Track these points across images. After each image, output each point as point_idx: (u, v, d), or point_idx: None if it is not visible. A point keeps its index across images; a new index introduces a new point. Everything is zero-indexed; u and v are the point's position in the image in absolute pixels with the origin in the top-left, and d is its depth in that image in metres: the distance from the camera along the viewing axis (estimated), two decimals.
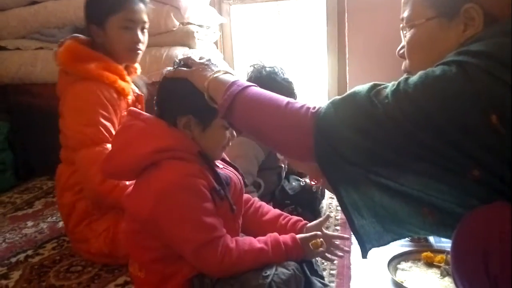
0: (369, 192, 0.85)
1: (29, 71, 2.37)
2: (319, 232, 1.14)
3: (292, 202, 1.67)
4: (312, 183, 1.71)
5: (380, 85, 0.82)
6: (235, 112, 0.95)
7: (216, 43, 2.80)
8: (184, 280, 1.09)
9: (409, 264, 1.34)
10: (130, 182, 1.30)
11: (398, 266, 1.33)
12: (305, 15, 2.92)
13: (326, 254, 1.16)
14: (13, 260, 1.57)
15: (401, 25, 0.94)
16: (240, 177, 1.23)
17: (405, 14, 0.92)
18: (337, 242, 1.20)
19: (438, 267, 1.30)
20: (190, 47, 2.34)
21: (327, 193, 1.92)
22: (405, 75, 0.84)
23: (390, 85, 0.81)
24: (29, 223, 1.89)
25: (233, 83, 0.97)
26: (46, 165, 1.97)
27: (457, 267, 0.76)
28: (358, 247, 0.92)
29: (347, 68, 2.73)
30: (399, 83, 0.79)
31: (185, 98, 1.09)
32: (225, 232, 1.08)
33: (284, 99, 0.92)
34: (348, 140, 0.81)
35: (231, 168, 1.24)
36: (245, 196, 1.28)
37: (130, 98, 1.56)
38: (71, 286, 1.39)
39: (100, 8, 1.52)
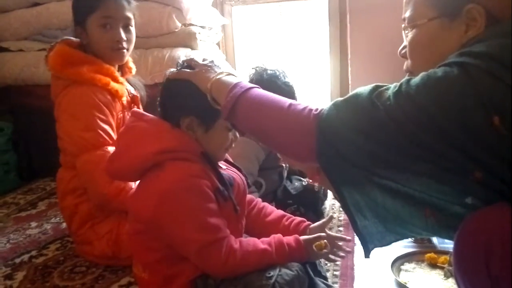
0: (371, 193, 0.85)
1: (32, 72, 2.38)
2: (323, 234, 1.14)
3: (294, 202, 1.67)
4: (310, 181, 1.73)
5: (382, 86, 0.82)
6: (238, 113, 0.95)
7: (218, 44, 2.80)
8: (188, 281, 1.09)
9: (412, 265, 1.34)
10: (135, 185, 1.31)
11: (402, 267, 1.33)
12: (307, 16, 2.92)
13: (329, 255, 1.17)
14: (17, 260, 1.58)
15: (403, 25, 0.94)
16: (243, 177, 1.24)
17: (407, 14, 0.92)
18: (340, 243, 1.20)
19: (442, 268, 1.30)
20: (192, 48, 2.34)
21: (330, 194, 1.92)
22: (407, 76, 0.84)
23: (392, 87, 0.81)
24: (33, 224, 1.90)
25: (236, 84, 0.97)
26: (49, 166, 1.97)
27: (459, 268, 0.76)
28: (361, 247, 0.93)
29: (349, 69, 2.73)
30: (401, 85, 0.79)
31: (188, 99, 1.10)
32: (229, 233, 1.08)
33: (286, 101, 0.92)
34: (350, 142, 0.82)
35: (234, 169, 1.24)
36: (248, 196, 1.29)
37: (125, 99, 1.54)
38: (75, 287, 1.40)
39: (80, 8, 1.51)
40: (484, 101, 0.71)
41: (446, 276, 1.26)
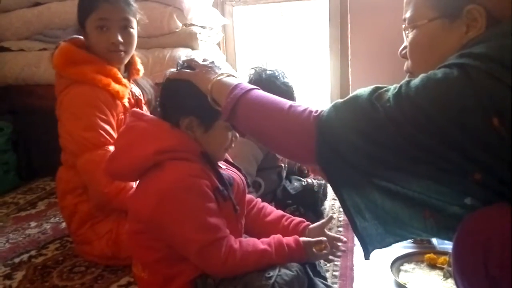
0: (371, 195, 0.86)
1: (32, 72, 2.38)
2: (324, 238, 1.13)
3: (294, 202, 1.67)
4: (309, 181, 1.73)
5: (381, 88, 0.83)
6: (238, 114, 0.95)
7: (218, 44, 2.80)
8: (187, 281, 1.09)
9: (412, 265, 1.34)
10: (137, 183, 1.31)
11: (401, 267, 1.33)
12: (308, 16, 2.92)
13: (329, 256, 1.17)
14: (17, 260, 1.58)
15: (403, 26, 0.94)
16: (243, 177, 1.24)
17: (407, 14, 0.92)
18: (340, 244, 1.20)
19: (441, 268, 1.30)
20: (193, 49, 2.34)
21: (330, 194, 1.92)
22: (407, 77, 0.84)
23: (392, 88, 0.81)
24: (32, 224, 1.90)
25: (236, 86, 0.97)
26: (49, 166, 1.97)
27: (458, 269, 0.76)
28: (361, 248, 0.93)
29: (350, 69, 2.73)
30: (400, 87, 0.79)
31: (187, 99, 1.10)
32: (229, 233, 1.08)
33: (286, 102, 0.93)
34: (350, 143, 0.82)
35: (233, 169, 1.24)
36: (248, 196, 1.29)
37: (127, 101, 1.54)
38: (74, 287, 1.39)
39: (80, 9, 1.51)
40: (484, 102, 0.71)
41: (446, 277, 1.26)
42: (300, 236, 1.14)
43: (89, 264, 1.51)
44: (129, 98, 1.57)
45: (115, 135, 1.46)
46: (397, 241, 0.93)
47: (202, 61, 1.11)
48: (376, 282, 1.31)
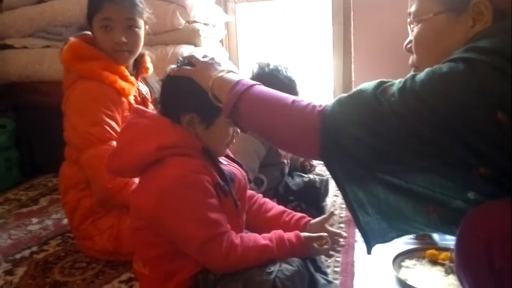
0: (374, 190, 0.85)
1: (36, 69, 2.39)
2: (325, 234, 1.13)
3: (295, 198, 1.66)
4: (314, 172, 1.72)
5: (386, 82, 0.82)
6: (240, 111, 0.95)
7: (221, 41, 2.80)
8: (188, 276, 1.09)
9: (413, 261, 1.34)
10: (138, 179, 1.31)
11: (402, 263, 1.33)
12: (311, 13, 2.92)
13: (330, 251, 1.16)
14: (18, 256, 1.58)
15: (408, 20, 0.94)
16: (244, 173, 1.23)
17: (412, 8, 0.91)
18: (340, 240, 1.19)
19: (443, 264, 1.29)
20: (196, 46, 2.34)
21: (331, 190, 1.92)
22: (412, 71, 0.83)
23: (397, 83, 0.80)
24: (34, 220, 1.91)
25: (238, 82, 0.97)
26: (51, 163, 1.98)
27: (461, 264, 0.76)
28: (363, 244, 0.92)
29: (353, 66, 2.73)
30: (405, 81, 0.79)
31: (188, 96, 1.09)
32: (230, 228, 1.08)
33: (289, 97, 0.92)
34: (354, 137, 0.81)
35: (235, 164, 1.24)
36: (249, 192, 1.28)
37: (132, 98, 1.54)
38: (76, 282, 1.39)
39: (88, 8, 1.52)
40: (489, 96, 0.71)
41: (447, 273, 1.26)
42: (301, 232, 1.13)
43: (90, 260, 1.51)
44: (135, 96, 1.57)
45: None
46: (400, 236, 0.92)
47: (202, 58, 1.10)
48: (377, 278, 1.30)
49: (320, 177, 1.75)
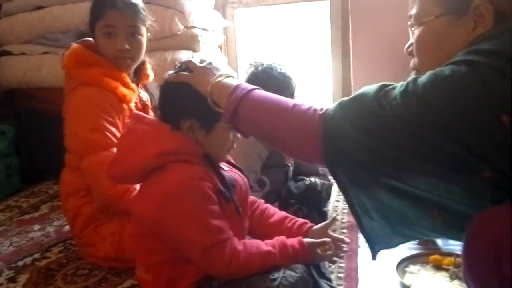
0: (378, 195, 0.85)
1: (34, 75, 2.39)
2: (328, 239, 1.13)
3: (297, 201, 1.66)
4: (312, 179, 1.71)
5: (388, 85, 0.82)
6: (241, 116, 0.95)
7: (220, 46, 2.81)
8: (191, 283, 1.09)
9: (417, 267, 1.33)
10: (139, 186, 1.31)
11: (406, 269, 1.32)
12: (309, 18, 2.92)
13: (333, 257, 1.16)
14: (20, 263, 1.58)
15: (409, 23, 0.94)
16: (245, 179, 1.23)
17: (413, 11, 0.91)
18: (344, 246, 1.19)
19: (447, 270, 1.29)
20: (194, 51, 2.34)
21: (333, 195, 1.92)
22: (413, 74, 0.83)
23: (399, 86, 0.80)
24: (36, 227, 1.90)
25: (237, 86, 0.97)
26: (52, 169, 1.98)
27: (469, 269, 0.75)
28: (367, 249, 0.92)
29: (351, 70, 2.73)
30: (407, 84, 0.79)
31: (187, 102, 1.09)
32: (232, 234, 1.07)
33: (290, 101, 0.92)
34: (356, 142, 0.81)
35: (236, 170, 1.24)
36: (251, 198, 1.28)
37: (133, 105, 1.54)
38: None
39: (90, 15, 1.53)
40: (492, 99, 0.71)
41: (452, 278, 1.25)
42: (303, 238, 1.13)
43: (92, 267, 1.51)
44: (136, 103, 1.57)
45: None
46: (405, 242, 0.92)
47: (200, 63, 1.10)
48: (381, 283, 1.30)
49: (321, 181, 1.75)
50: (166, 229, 1.06)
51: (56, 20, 2.43)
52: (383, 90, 0.81)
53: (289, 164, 1.74)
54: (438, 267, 1.31)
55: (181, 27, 2.31)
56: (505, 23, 0.80)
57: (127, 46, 1.49)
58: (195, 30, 2.36)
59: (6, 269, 1.54)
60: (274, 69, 1.65)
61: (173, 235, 1.06)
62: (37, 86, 2.41)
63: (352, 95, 0.86)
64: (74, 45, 1.55)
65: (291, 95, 1.63)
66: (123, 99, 1.50)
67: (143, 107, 1.61)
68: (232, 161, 1.27)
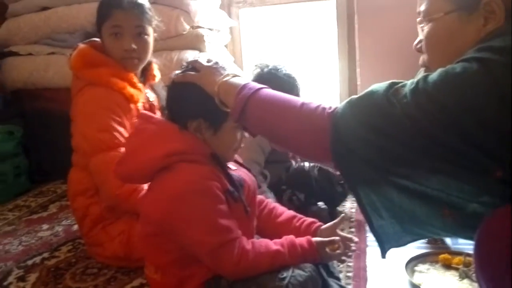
0: (387, 193, 0.84)
1: (41, 76, 2.40)
2: (337, 238, 1.13)
3: (287, 186, 1.65)
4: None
5: (398, 83, 0.81)
6: (249, 115, 0.95)
7: (226, 46, 2.81)
8: (201, 283, 1.09)
9: (426, 266, 1.33)
10: (147, 186, 1.31)
11: (416, 268, 1.32)
12: (315, 17, 2.91)
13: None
14: (30, 262, 1.59)
15: (418, 19, 0.93)
16: (253, 178, 1.23)
17: (422, 7, 0.91)
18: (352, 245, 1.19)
19: (456, 269, 1.28)
20: (200, 51, 2.35)
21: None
22: (421, 71, 0.83)
23: (409, 83, 0.80)
24: (44, 226, 1.91)
25: (244, 86, 0.96)
26: (59, 169, 1.98)
27: (481, 268, 0.75)
28: (375, 248, 0.92)
29: (358, 70, 2.72)
30: (418, 82, 0.78)
31: (194, 102, 1.09)
32: (241, 234, 1.07)
33: (298, 100, 0.92)
34: (366, 140, 0.81)
35: (244, 170, 1.24)
36: (259, 197, 1.28)
37: (141, 105, 1.55)
38: None
39: (97, 15, 1.53)
40: (504, 97, 0.70)
41: (461, 277, 1.25)
42: (312, 237, 1.13)
43: (101, 266, 1.52)
44: (143, 103, 1.58)
45: None
46: (415, 240, 0.91)
47: (207, 62, 1.10)
48: (390, 282, 1.30)
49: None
50: (175, 229, 1.06)
51: (62, 21, 2.44)
52: (392, 88, 0.80)
53: (292, 162, 1.74)
54: (447, 266, 1.31)
55: (187, 27, 2.31)
56: None
57: (134, 46, 1.49)
58: (200, 30, 2.36)
59: (16, 268, 1.55)
60: (279, 70, 1.66)
61: (181, 235, 1.06)
62: (43, 87, 2.42)
63: (361, 93, 0.85)
64: (81, 45, 1.55)
65: (296, 96, 1.64)
66: (130, 99, 1.51)
67: (150, 107, 1.62)
68: (240, 160, 1.27)
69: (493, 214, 0.75)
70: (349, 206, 1.86)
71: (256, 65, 1.72)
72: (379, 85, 0.83)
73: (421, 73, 0.87)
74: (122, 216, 1.48)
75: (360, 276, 1.33)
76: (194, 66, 1.11)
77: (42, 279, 1.47)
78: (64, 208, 2.10)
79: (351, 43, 2.71)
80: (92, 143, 1.46)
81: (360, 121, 0.82)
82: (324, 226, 1.21)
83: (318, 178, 1.73)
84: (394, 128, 0.78)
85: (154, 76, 1.66)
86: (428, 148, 0.76)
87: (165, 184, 1.08)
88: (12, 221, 2.00)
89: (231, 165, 1.21)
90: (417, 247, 1.41)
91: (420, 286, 1.22)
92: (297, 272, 1.03)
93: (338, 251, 1.11)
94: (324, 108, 0.87)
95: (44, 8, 2.51)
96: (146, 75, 1.64)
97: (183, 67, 1.15)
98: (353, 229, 1.65)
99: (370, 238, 1.37)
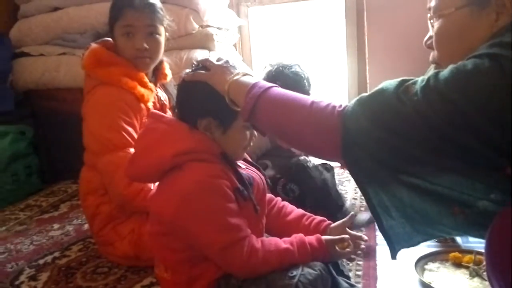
0: (398, 193, 0.84)
1: (52, 76, 2.42)
2: (346, 236, 1.12)
3: (282, 175, 1.65)
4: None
5: (408, 80, 0.80)
6: (259, 114, 0.94)
7: (235, 45, 2.81)
8: (210, 281, 1.09)
9: (436, 264, 1.32)
10: (155, 185, 1.32)
11: (426, 266, 1.31)
12: (324, 15, 2.90)
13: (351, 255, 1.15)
14: (41, 262, 1.60)
15: (428, 15, 0.92)
16: (263, 177, 1.23)
17: (432, 3, 0.90)
18: (361, 243, 1.18)
19: (467, 267, 1.27)
20: (209, 50, 2.35)
21: (350, 194, 1.91)
22: (433, 68, 0.82)
23: (419, 81, 0.79)
24: (55, 226, 1.93)
25: (255, 84, 0.96)
26: (70, 169, 2.01)
27: (492, 267, 0.74)
28: (385, 247, 0.91)
29: (367, 67, 2.71)
30: (428, 79, 0.77)
31: (204, 101, 1.09)
32: (250, 233, 1.07)
33: (308, 99, 0.91)
34: (376, 138, 0.80)
35: (253, 168, 1.24)
36: (268, 196, 1.28)
37: (151, 104, 1.56)
38: (98, 287, 1.41)
39: (110, 15, 1.54)
40: None
41: (472, 276, 1.24)
42: (321, 235, 1.13)
43: (112, 265, 1.53)
44: (154, 103, 1.59)
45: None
46: (426, 240, 0.91)
47: (217, 61, 1.10)
48: (400, 281, 1.29)
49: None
50: (185, 227, 1.06)
51: (73, 21, 2.46)
52: (403, 86, 0.80)
53: (299, 158, 1.73)
54: (458, 264, 1.30)
55: (196, 26, 2.32)
56: None
57: (146, 46, 1.50)
58: (210, 29, 2.37)
59: (27, 267, 1.57)
60: (287, 68, 1.65)
61: (191, 234, 1.06)
62: (55, 87, 2.44)
63: (371, 91, 0.85)
64: (94, 45, 1.56)
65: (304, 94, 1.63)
66: (141, 99, 1.51)
67: (161, 107, 1.63)
68: (249, 159, 1.27)
69: (504, 211, 0.74)
70: (359, 204, 1.85)
71: (269, 64, 1.72)
72: (390, 83, 0.82)
73: (431, 70, 0.86)
74: (132, 216, 1.49)
75: (370, 274, 1.33)
76: (204, 65, 1.11)
77: (53, 278, 1.49)
78: (75, 207, 2.12)
79: (361, 40, 2.70)
80: (100, 141, 1.47)
81: (370, 120, 0.81)
82: (333, 225, 1.21)
83: (319, 184, 1.69)
84: (405, 126, 0.77)
85: (165, 75, 1.67)
86: (439, 146, 0.75)
87: (175, 183, 1.08)
88: (24, 221, 2.02)
89: (241, 164, 1.21)
90: (427, 246, 1.39)
91: (430, 285, 1.21)
92: (307, 270, 1.03)
93: (347, 249, 1.11)
94: (334, 107, 0.87)
95: (55, 9, 2.54)
96: (157, 75, 1.64)
97: (193, 66, 1.15)
98: (362, 228, 1.64)
99: (380, 236, 1.36)
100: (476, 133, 0.72)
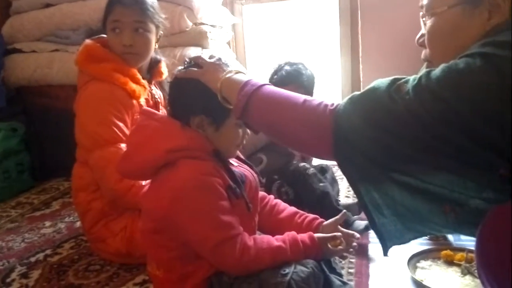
0: (389, 191, 0.84)
1: (45, 73, 2.40)
2: (338, 234, 1.13)
3: (280, 177, 1.65)
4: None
5: (400, 79, 0.81)
6: (251, 112, 0.94)
7: (228, 43, 2.81)
8: (203, 279, 1.09)
9: (428, 262, 1.33)
10: (146, 182, 1.31)
11: (418, 264, 1.32)
12: (318, 14, 2.91)
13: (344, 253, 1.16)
14: (33, 259, 1.59)
15: (421, 13, 0.92)
16: (255, 174, 1.23)
17: (425, 1, 0.90)
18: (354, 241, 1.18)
19: (458, 265, 1.28)
20: (203, 47, 2.35)
21: (343, 192, 1.91)
22: (424, 66, 0.82)
23: (411, 80, 0.79)
24: (47, 223, 1.92)
25: (247, 82, 0.96)
26: (62, 166, 1.99)
27: (483, 265, 0.75)
28: (378, 244, 0.92)
29: (361, 66, 2.72)
30: (420, 78, 0.77)
31: (196, 98, 1.09)
32: (242, 230, 1.07)
33: (300, 97, 0.91)
34: (368, 137, 0.80)
35: (246, 166, 1.24)
36: (261, 194, 1.28)
37: (143, 101, 1.55)
38: (90, 285, 1.40)
39: (104, 12, 1.54)
40: (508, 93, 0.69)
41: (464, 273, 1.25)
42: (314, 233, 1.13)
43: (104, 263, 1.52)
44: (147, 99, 1.58)
45: (128, 133, 1.47)
46: (417, 237, 0.91)
47: (209, 58, 1.09)
48: (392, 279, 1.29)
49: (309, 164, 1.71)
50: (177, 225, 1.06)
51: (65, 18, 2.44)
52: (395, 84, 0.80)
53: (295, 157, 1.74)
54: (449, 262, 1.31)
55: (190, 23, 2.31)
56: None
57: (131, 42, 1.50)
58: (203, 27, 2.36)
59: (19, 265, 1.56)
60: (290, 64, 1.67)
61: (183, 231, 1.06)
62: (47, 84, 2.43)
63: (363, 89, 0.85)
64: (87, 41, 1.57)
65: (301, 89, 1.63)
66: (132, 95, 1.51)
67: (155, 104, 1.62)
68: (242, 157, 1.27)
69: (494, 211, 0.75)
70: (351, 202, 1.84)
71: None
72: (382, 81, 0.82)
73: (424, 69, 0.86)
74: (124, 212, 1.48)
75: (362, 272, 1.33)
76: (196, 62, 1.11)
77: (45, 275, 1.48)
78: (66, 205, 2.11)
79: (354, 39, 2.71)
80: (91, 137, 1.47)
81: (362, 118, 0.81)
82: (326, 222, 1.21)
83: (318, 193, 1.65)
84: (397, 125, 0.77)
85: (161, 73, 1.66)
86: (431, 145, 0.76)
87: (167, 181, 1.08)
88: (15, 218, 2.01)
89: (233, 162, 1.21)
90: (419, 244, 1.40)
91: (422, 282, 1.22)
92: (299, 268, 1.03)
93: (340, 247, 1.11)
94: (326, 105, 0.87)
95: (48, 5, 2.52)
96: (153, 72, 1.64)
97: (185, 63, 1.14)
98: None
99: (372, 234, 1.37)
100: (468, 132, 0.72)
